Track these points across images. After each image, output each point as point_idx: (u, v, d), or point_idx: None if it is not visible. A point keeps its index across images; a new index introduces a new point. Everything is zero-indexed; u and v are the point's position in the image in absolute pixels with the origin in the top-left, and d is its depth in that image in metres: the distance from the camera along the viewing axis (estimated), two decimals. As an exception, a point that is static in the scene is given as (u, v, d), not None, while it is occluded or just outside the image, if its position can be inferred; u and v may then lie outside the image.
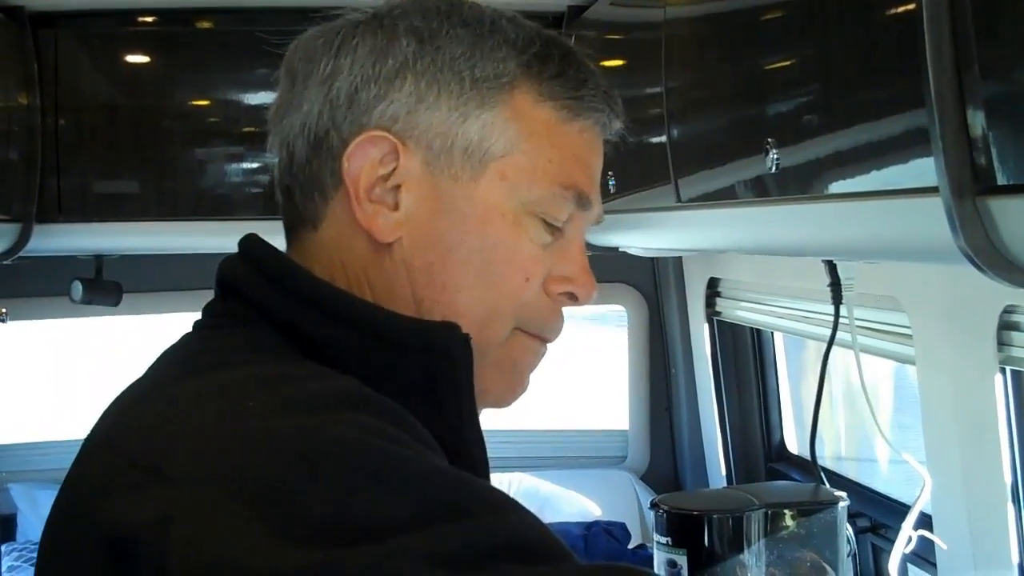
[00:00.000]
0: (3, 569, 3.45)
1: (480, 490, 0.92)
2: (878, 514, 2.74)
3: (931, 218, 1.21)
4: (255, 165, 3.09)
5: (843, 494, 2.41)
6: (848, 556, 2.42)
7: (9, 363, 5.26)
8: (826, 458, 4.02)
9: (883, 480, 3.26)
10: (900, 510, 2.47)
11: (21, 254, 2.83)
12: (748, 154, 1.76)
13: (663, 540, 2.31)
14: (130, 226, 3.03)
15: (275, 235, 1.20)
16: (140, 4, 3.05)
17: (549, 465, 3.94)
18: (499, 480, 3.59)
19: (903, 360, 2.49)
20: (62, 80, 2.95)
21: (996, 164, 1.14)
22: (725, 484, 3.59)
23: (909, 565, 2.46)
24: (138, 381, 1.12)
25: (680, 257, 3.66)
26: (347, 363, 1.05)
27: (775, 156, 1.66)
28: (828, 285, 2.38)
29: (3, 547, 3.61)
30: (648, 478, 3.98)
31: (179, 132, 3.08)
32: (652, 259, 3.75)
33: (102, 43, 3.05)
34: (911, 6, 1.23)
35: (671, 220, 2.25)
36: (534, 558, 0.86)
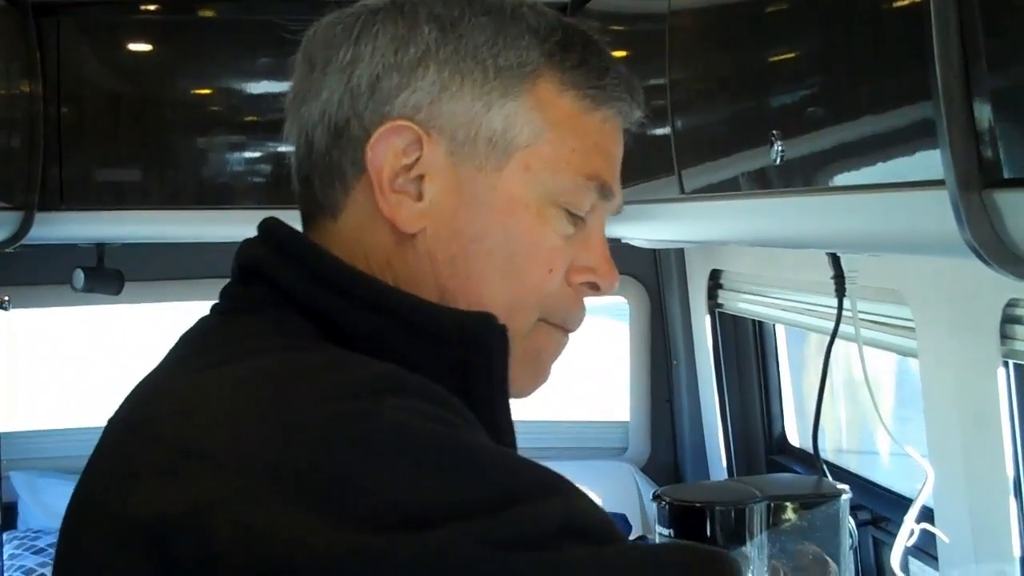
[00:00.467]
0: (4, 557, 3.45)
1: (537, 472, 0.92)
2: (880, 507, 2.74)
3: (937, 211, 1.21)
4: (257, 154, 3.08)
5: (845, 487, 2.41)
6: (850, 549, 2.42)
7: (11, 351, 5.26)
8: (827, 450, 4.01)
9: (885, 473, 3.26)
10: (902, 503, 2.47)
11: (23, 242, 2.83)
12: (752, 146, 1.75)
13: (665, 532, 2.30)
14: (132, 215, 3.03)
15: (278, 224, 1.18)
16: (142, -8, 3.05)
17: (550, 456, 3.92)
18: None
19: (905, 353, 2.49)
20: (64, 68, 2.94)
21: (1003, 157, 1.13)
22: (726, 476, 3.59)
23: (911, 558, 2.45)
24: (161, 366, 1.12)
25: (682, 249, 3.66)
26: (378, 350, 1.04)
27: (779, 148, 1.66)
28: (831, 277, 2.38)
29: (4, 535, 3.61)
30: (649, 469, 3.98)
31: (181, 121, 3.07)
32: (654, 251, 3.74)
33: (104, 31, 3.05)
34: (918, -2, 1.23)
35: (674, 211, 2.25)
36: (593, 539, 0.87)
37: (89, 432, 3.79)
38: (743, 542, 2.30)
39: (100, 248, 3.30)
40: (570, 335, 1.23)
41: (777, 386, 3.54)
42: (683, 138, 2.09)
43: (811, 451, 2.61)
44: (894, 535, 2.35)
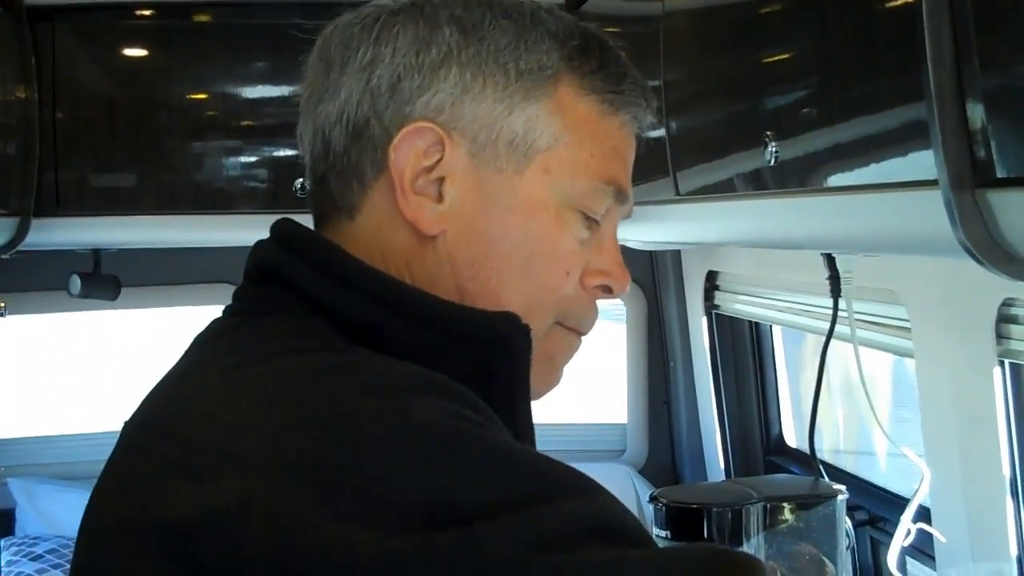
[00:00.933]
0: (2, 563, 3.45)
1: (566, 472, 0.92)
2: (877, 507, 2.75)
3: (930, 211, 1.21)
4: (254, 159, 3.08)
5: (842, 487, 2.41)
6: (847, 549, 2.42)
7: (7, 357, 5.26)
8: (824, 451, 4.01)
9: (881, 474, 3.26)
10: (899, 503, 2.47)
11: (19, 248, 2.83)
12: (747, 147, 1.76)
13: (662, 534, 2.30)
14: (128, 220, 3.02)
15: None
16: (138, -3, 3.05)
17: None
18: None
19: (902, 353, 2.49)
20: (59, 74, 2.94)
21: (995, 157, 1.14)
22: (723, 477, 3.59)
23: (908, 558, 2.46)
24: (177, 368, 1.12)
25: (678, 251, 3.66)
26: (401, 351, 1.04)
27: (774, 149, 1.66)
28: (827, 278, 2.38)
29: (2, 542, 3.61)
30: (646, 471, 3.98)
31: (177, 126, 3.07)
32: (650, 252, 3.75)
33: (100, 36, 3.04)
34: (911, -2, 1.23)
35: (670, 213, 2.25)
36: (622, 540, 0.87)
37: (87, 438, 3.81)
38: (740, 543, 2.30)
39: (96, 254, 3.30)
40: (583, 338, 1.24)
41: (774, 387, 3.54)
42: (678, 140, 2.10)
43: (808, 452, 2.61)
44: (891, 535, 2.35)
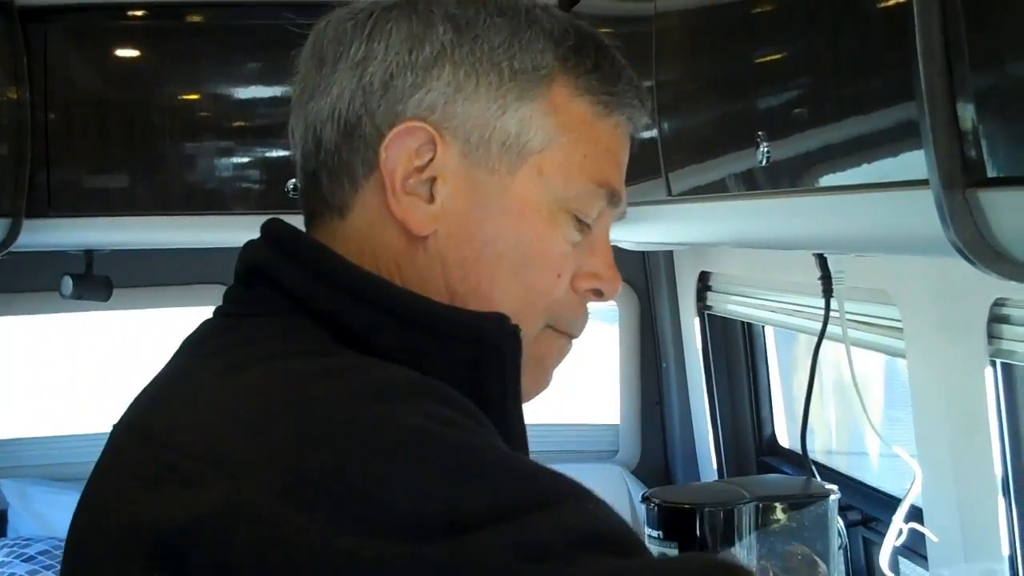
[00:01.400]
0: (-6, 565, 3.45)
1: (557, 479, 0.91)
2: (869, 507, 2.75)
3: (921, 210, 1.21)
4: (247, 159, 3.08)
5: (834, 487, 2.42)
6: (839, 549, 2.43)
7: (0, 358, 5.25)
8: (817, 452, 4.02)
9: (874, 474, 3.26)
10: (891, 503, 2.48)
11: (11, 249, 2.82)
12: (739, 148, 1.76)
13: (654, 534, 2.31)
14: (120, 221, 3.02)
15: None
16: (130, -2, 3.04)
17: (542, 459, 3.92)
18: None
19: (894, 353, 2.49)
20: (52, 74, 2.94)
21: (986, 156, 1.14)
22: (716, 478, 3.59)
23: (900, 558, 2.46)
24: (167, 371, 1.11)
25: (671, 251, 3.66)
26: (390, 353, 1.04)
27: (766, 150, 1.66)
28: (819, 278, 2.39)
29: (-6, 543, 3.60)
30: (639, 472, 3.98)
31: (169, 126, 3.06)
32: (643, 253, 3.75)
33: (92, 37, 3.04)
34: (902, -1, 1.23)
35: (662, 214, 2.25)
36: (616, 548, 0.86)
37: (79, 439, 3.80)
38: (732, 543, 2.30)
39: (88, 255, 3.29)
40: (573, 341, 1.23)
41: (767, 388, 3.55)
42: (670, 140, 2.10)
43: (800, 452, 2.61)
44: (883, 535, 2.35)
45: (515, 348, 1.09)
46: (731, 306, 3.40)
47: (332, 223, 1.16)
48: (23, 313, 3.83)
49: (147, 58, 3.10)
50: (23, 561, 3.46)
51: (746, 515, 2.31)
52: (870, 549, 2.74)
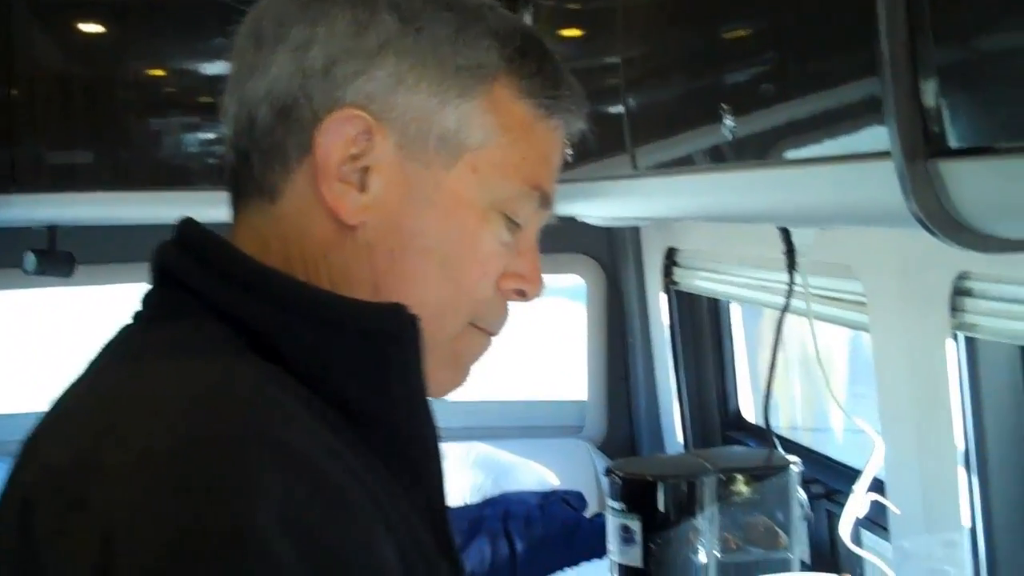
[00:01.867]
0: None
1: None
2: (833, 481, 2.76)
3: (884, 182, 1.22)
4: (211, 135, 3.07)
5: (795, 458, 2.44)
6: (802, 521, 2.45)
7: (-38, 335, 5.22)
8: (783, 427, 4.05)
9: (839, 449, 3.28)
10: (855, 477, 2.49)
11: (-26, 225, 2.81)
12: (704, 122, 1.76)
13: (617, 506, 2.32)
14: (84, 197, 3.01)
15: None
16: (94, -27, 3.03)
17: (507, 435, 3.95)
18: (457, 450, 3.61)
19: (858, 327, 2.51)
20: (15, 50, 2.92)
21: (948, 128, 1.14)
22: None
23: (863, 530, 2.48)
24: (78, 377, 1.10)
25: (637, 227, 3.67)
26: (293, 351, 1.05)
27: (731, 124, 1.67)
28: (783, 252, 2.40)
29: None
30: (606, 447, 4.00)
31: (134, 102, 3.06)
32: (609, 229, 3.75)
33: (56, 12, 3.03)
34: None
35: (628, 188, 2.25)
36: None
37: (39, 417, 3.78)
38: (694, 514, 2.32)
39: (52, 230, 3.28)
40: (492, 339, 1.23)
41: (732, 363, 3.56)
42: (636, 116, 2.10)
43: (775, 432, 2.63)
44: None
45: (414, 337, 1.09)
46: (698, 282, 3.41)
47: (261, 207, 1.14)
48: (-15, 289, 3.81)
49: (112, 33, 3.08)
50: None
51: (708, 487, 2.33)
52: (834, 522, 2.75)
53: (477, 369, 1.24)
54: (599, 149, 2.25)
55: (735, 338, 3.58)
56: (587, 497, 3.69)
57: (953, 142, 1.14)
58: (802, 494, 2.45)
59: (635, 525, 2.30)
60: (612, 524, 2.36)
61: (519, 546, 3.44)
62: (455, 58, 1.12)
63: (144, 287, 1.16)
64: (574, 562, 3.34)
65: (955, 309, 2.02)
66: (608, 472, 2.36)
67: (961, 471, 2.10)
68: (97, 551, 0.84)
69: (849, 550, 2.33)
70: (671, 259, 3.53)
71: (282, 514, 0.86)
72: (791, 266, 2.39)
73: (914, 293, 2.14)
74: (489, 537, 3.43)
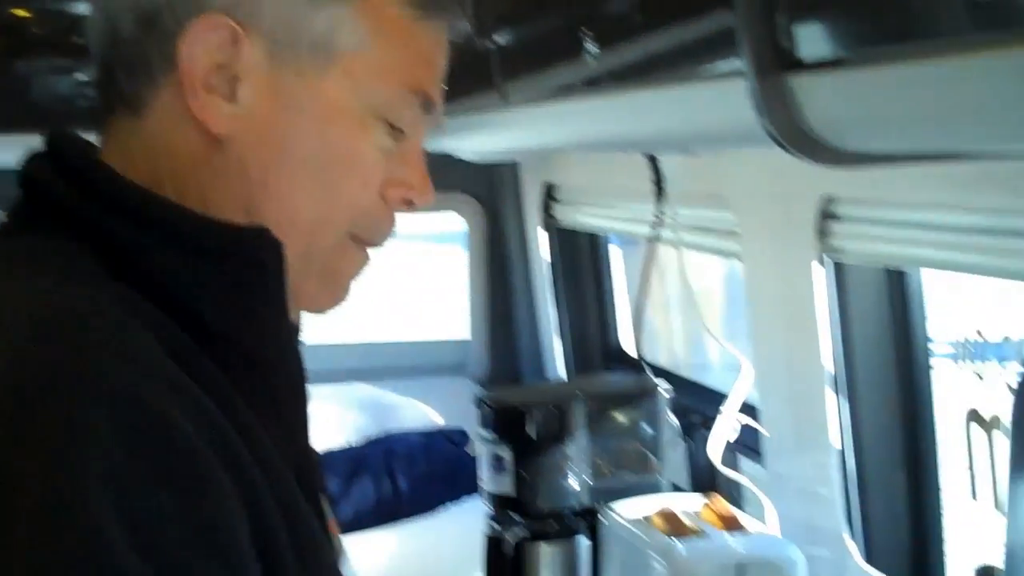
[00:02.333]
0: None
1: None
2: (712, 411, 2.80)
3: (740, 101, 1.22)
4: (84, 78, 3.00)
5: (665, 383, 2.46)
6: (675, 446, 2.48)
7: None
8: (662, 361, 4.09)
9: (722, 383, 3.33)
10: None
11: None
12: (568, 52, 1.76)
13: (488, 435, 2.33)
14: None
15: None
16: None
17: (391, 376, 3.94)
18: (340, 392, 3.60)
19: (730, 255, 2.53)
20: None
21: (798, 42, 1.15)
22: (563, 388, 3.63)
23: (740, 456, 2.51)
24: None
25: (516, 164, 3.67)
26: (151, 271, 1.01)
27: (594, 50, 1.67)
28: (651, 181, 2.41)
29: None
30: (489, 386, 4.01)
31: (2, 43, 2.98)
32: (488, 167, 3.75)
33: (-88, -51, 2.94)
34: None
35: (498, 121, 2.25)
36: None
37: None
38: (564, 441, 2.33)
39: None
40: (372, 252, 1.19)
41: (611, 298, 3.59)
42: (502, 48, 2.09)
43: (645, 359, 2.65)
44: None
45: (276, 262, 1.07)
46: (577, 216, 3.42)
47: (127, 121, 1.10)
48: None
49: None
50: None
51: (578, 413, 2.34)
52: (712, 449, 2.80)
53: (356, 287, 1.21)
54: (467, 83, 2.24)
55: (614, 273, 3.60)
56: (469, 434, 3.70)
57: (805, 56, 1.15)
58: (673, 419, 2.48)
59: (506, 454, 2.31)
60: (483, 453, 2.37)
61: (402, 484, 3.45)
62: None
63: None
64: (456, 497, 3.37)
65: (822, 233, 2.04)
66: (479, 402, 2.36)
67: (830, 393, 2.13)
68: None
69: (725, 475, 2.37)
70: (550, 195, 3.53)
71: (107, 471, 0.83)
72: (659, 195, 2.41)
73: (782, 219, 2.16)
74: (372, 476, 3.43)
